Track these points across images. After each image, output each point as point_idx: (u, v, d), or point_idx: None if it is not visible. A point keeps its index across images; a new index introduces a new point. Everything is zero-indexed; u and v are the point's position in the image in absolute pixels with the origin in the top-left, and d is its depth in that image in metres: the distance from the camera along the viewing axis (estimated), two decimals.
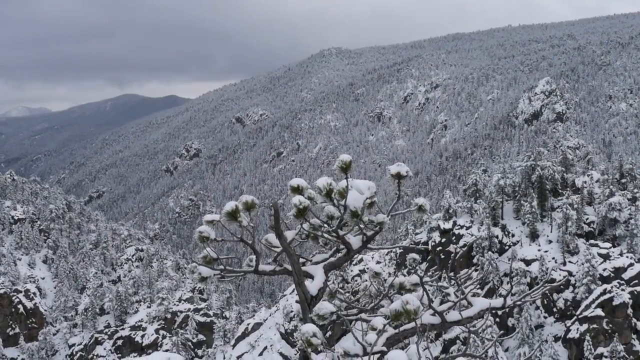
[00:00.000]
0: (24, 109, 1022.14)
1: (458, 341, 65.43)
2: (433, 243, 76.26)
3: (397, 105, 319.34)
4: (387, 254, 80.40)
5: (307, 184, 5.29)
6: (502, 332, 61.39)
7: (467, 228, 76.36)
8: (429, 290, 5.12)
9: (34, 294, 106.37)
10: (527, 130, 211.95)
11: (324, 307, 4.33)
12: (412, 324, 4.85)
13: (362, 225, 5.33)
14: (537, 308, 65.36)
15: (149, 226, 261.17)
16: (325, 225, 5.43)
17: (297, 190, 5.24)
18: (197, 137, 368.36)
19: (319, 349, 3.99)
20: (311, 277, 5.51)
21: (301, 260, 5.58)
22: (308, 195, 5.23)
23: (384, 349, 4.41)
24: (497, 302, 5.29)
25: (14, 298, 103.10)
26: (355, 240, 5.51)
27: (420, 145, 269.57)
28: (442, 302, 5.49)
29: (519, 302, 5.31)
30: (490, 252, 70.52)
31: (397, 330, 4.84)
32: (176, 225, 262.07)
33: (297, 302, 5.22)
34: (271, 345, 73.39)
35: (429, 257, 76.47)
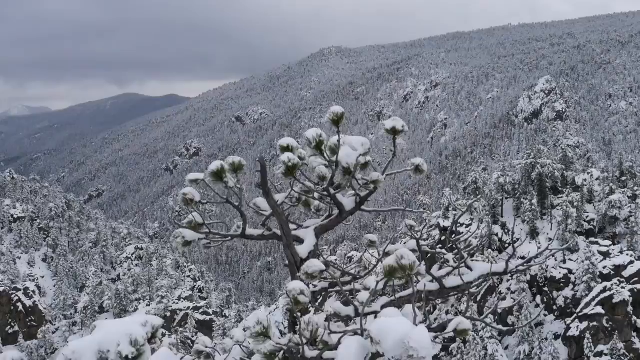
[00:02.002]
0: (25, 107, 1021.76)
1: (458, 339, 65.36)
2: (433, 241, 76.06)
3: (397, 104, 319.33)
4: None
5: (298, 144, 5.07)
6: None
7: (467, 226, 76.13)
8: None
9: (34, 292, 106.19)
10: (527, 129, 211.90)
11: (313, 264, 4.12)
12: (409, 291, 4.64)
13: (355, 184, 5.11)
14: (537, 306, 65.26)
15: (149, 225, 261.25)
16: (317, 187, 5.21)
17: (287, 149, 5.01)
18: (197, 136, 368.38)
19: (307, 308, 3.79)
20: (301, 241, 5.28)
21: (292, 226, 5.36)
22: (298, 155, 5.00)
23: (378, 309, 4.19)
24: (498, 266, 5.07)
25: (13, 296, 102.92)
26: (348, 202, 5.29)
27: (420, 143, 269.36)
28: (440, 269, 5.26)
29: (521, 268, 5.09)
30: (490, 250, 70.33)
31: (392, 297, 4.63)
32: (176, 224, 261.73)
33: (285, 265, 4.98)
34: None
35: (428, 255, 76.29)
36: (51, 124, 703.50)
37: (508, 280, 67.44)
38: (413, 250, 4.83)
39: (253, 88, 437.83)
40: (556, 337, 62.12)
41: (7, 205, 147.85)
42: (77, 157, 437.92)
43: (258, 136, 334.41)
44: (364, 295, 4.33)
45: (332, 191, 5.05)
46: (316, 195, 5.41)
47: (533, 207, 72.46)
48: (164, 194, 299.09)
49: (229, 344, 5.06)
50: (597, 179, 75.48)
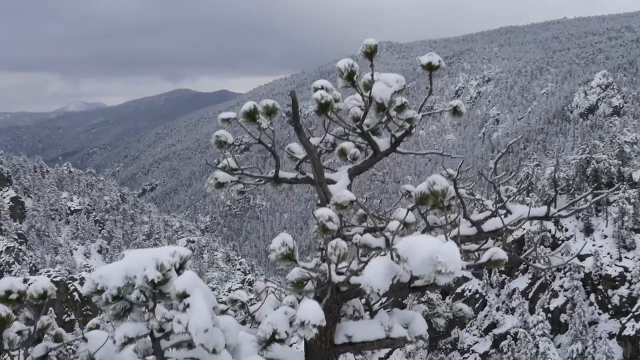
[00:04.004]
0: (81, 103, 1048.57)
1: (509, 336, 64.28)
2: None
3: (448, 99, 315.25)
4: None
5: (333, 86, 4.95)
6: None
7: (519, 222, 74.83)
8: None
9: None
10: (583, 125, 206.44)
11: (343, 194, 4.02)
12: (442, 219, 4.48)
13: (389, 121, 4.97)
14: (591, 304, 63.63)
15: (200, 218, 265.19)
16: (351, 130, 5.08)
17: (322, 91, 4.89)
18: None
19: (335, 235, 3.69)
20: (334, 183, 5.17)
21: (325, 172, 5.25)
22: (333, 96, 4.88)
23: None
24: (539, 210, 4.86)
25: (70, 286, 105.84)
26: (382, 142, 5.15)
27: (472, 139, 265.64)
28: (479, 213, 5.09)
29: (565, 214, 4.87)
30: (542, 247, 68.94)
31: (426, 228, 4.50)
32: (227, 218, 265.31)
33: (317, 204, 4.89)
34: None
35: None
36: (106, 119, 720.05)
37: (561, 278, 66.00)
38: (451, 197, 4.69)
39: (304, 83, 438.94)
40: (610, 336, 60.48)
41: (65, 198, 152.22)
42: (132, 151, 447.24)
43: (308, 131, 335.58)
44: (394, 225, 4.22)
45: (365, 128, 4.93)
46: (351, 138, 5.30)
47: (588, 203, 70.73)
48: None
49: (259, 286, 5.03)
50: None
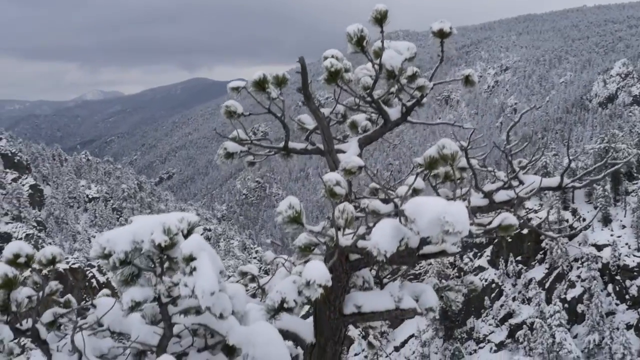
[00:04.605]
0: (99, 92, 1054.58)
1: (525, 326, 64.08)
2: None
3: (465, 88, 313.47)
4: None
5: (343, 55, 4.90)
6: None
7: (536, 211, 74.34)
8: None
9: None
10: (602, 114, 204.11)
11: (352, 160, 3.98)
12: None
13: (400, 92, 4.91)
14: (609, 295, 63.17)
15: (217, 207, 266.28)
16: (361, 98, 5.02)
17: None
18: (265, 120, 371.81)
19: (343, 200, 3.66)
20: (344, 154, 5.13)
21: (335, 143, 5.20)
22: (344, 66, 4.83)
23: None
24: (552, 180, 4.79)
25: (88, 273, 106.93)
26: (393, 112, 5.09)
27: (489, 128, 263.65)
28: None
29: (578, 185, 4.80)
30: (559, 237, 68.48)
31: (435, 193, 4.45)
32: (243, 207, 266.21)
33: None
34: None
35: (495, 241, 75.04)
36: (124, 108, 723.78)
37: (578, 268, 65.61)
38: (462, 168, 4.64)
39: (320, 72, 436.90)
40: (628, 327, 60.09)
41: (83, 186, 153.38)
42: (149, 140, 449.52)
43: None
44: (403, 189, 4.18)
45: (375, 96, 4.87)
46: (361, 108, 5.24)
47: (606, 193, 70.07)
48: (231, 177, 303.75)
49: (269, 256, 5.02)
50: None
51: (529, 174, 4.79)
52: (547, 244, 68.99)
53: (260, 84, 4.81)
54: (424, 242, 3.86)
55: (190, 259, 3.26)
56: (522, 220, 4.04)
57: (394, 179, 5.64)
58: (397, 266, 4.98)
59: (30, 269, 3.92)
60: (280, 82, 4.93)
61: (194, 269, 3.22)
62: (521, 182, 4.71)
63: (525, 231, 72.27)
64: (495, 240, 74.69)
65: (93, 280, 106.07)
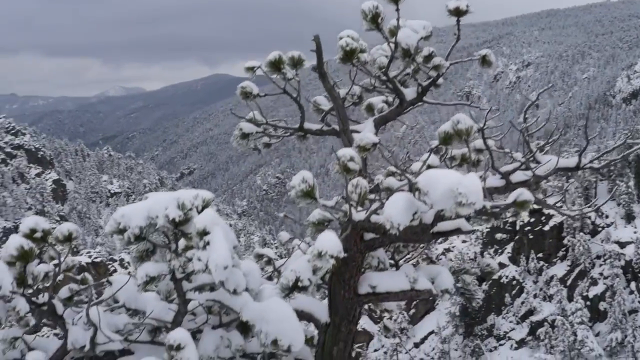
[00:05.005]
0: (121, 88, 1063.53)
1: (546, 323, 63.56)
2: (521, 223, 74.08)
3: (487, 84, 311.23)
4: (472, 233, 78.89)
5: (359, 36, 4.86)
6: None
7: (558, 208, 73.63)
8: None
9: (129, 263, 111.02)
10: (625, 110, 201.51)
11: (366, 137, 3.95)
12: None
13: (417, 72, 4.87)
14: (632, 292, 62.44)
15: (237, 203, 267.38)
16: (377, 79, 4.98)
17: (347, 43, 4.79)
18: (285, 116, 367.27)
19: (357, 175, 3.64)
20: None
21: (351, 125, 5.18)
22: (360, 46, 4.79)
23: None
24: (569, 161, 4.73)
25: (110, 267, 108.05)
26: (409, 91, 5.05)
27: (512, 131, 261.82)
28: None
29: (596, 165, 4.73)
30: (582, 234, 67.78)
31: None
32: (263, 203, 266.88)
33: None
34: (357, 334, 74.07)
35: (516, 237, 74.52)
36: (145, 103, 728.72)
37: (601, 265, 64.93)
38: (479, 150, 4.60)
39: (339, 68, 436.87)
40: None
41: (105, 181, 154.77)
42: (170, 136, 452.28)
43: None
44: (417, 166, 4.15)
45: (390, 75, 4.83)
46: (377, 89, 5.21)
47: (629, 189, 69.22)
48: (252, 172, 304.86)
49: (284, 237, 5.02)
50: None
51: (547, 155, 4.72)
52: (569, 240, 68.33)
53: (276, 65, 4.80)
54: (439, 218, 3.83)
55: (203, 233, 3.26)
56: (538, 200, 3.99)
57: (409, 159, 5.62)
58: (413, 245, 4.96)
59: (46, 244, 3.95)
60: (296, 63, 4.91)
61: (208, 243, 3.23)
62: (538, 163, 4.65)
63: (546, 228, 71.68)
64: (517, 237, 74.19)
65: (115, 275, 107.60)
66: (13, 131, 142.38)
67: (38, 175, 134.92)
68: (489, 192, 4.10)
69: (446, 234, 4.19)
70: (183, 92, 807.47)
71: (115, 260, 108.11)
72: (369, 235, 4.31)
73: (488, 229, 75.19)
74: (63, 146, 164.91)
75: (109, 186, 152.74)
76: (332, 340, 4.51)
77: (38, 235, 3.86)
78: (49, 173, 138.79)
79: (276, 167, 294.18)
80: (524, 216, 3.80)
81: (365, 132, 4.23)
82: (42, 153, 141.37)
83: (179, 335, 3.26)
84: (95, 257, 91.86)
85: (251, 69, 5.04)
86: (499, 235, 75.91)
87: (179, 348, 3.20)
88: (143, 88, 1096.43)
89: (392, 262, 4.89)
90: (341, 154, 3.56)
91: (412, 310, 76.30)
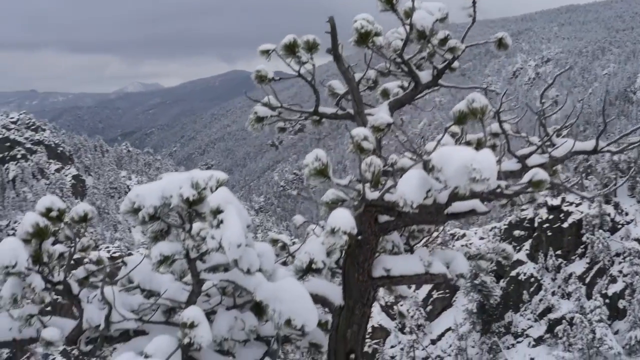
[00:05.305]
0: (139, 84, 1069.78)
1: (564, 321, 63.11)
2: (540, 220, 73.54)
3: (506, 80, 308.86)
4: (490, 230, 78.43)
5: (374, 19, 4.83)
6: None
7: (577, 205, 73.03)
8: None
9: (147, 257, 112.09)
10: None
11: (381, 117, 3.93)
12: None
13: (432, 56, 4.84)
14: None
15: (255, 199, 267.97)
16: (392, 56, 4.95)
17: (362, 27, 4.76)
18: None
19: (370, 154, 3.62)
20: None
21: (366, 109, 5.15)
22: (374, 30, 4.77)
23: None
24: (586, 144, 4.67)
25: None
26: (424, 74, 5.02)
27: (530, 121, 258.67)
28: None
29: (614, 149, 4.67)
30: (601, 231, 67.20)
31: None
32: (280, 199, 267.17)
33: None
34: (370, 317, 74.17)
35: (535, 234, 74.01)
36: (163, 100, 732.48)
37: (620, 263, 64.36)
38: (495, 134, 4.57)
39: (358, 64, 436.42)
40: None
41: (124, 177, 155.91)
42: (188, 132, 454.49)
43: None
44: (431, 145, 4.13)
45: (405, 57, 4.81)
46: (392, 73, 5.18)
47: None
48: (269, 169, 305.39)
49: (298, 220, 5.02)
50: None
51: (564, 138, 4.67)
52: (588, 238, 67.75)
53: (291, 48, 4.79)
54: (453, 198, 3.81)
55: (217, 211, 3.27)
56: (554, 182, 3.94)
57: (424, 143, 5.58)
58: (428, 230, 4.94)
59: (62, 223, 3.98)
60: (311, 47, 4.90)
61: (221, 221, 3.23)
62: (553, 145, 4.60)
63: (565, 225, 71.08)
64: (535, 234, 73.68)
65: None
66: (33, 127, 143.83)
67: (58, 170, 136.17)
68: (505, 176, 4.06)
69: (461, 216, 4.16)
70: (201, 88, 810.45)
71: (133, 255, 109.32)
72: (383, 218, 4.30)
73: (506, 226, 74.86)
74: (82, 142, 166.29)
75: (127, 182, 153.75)
76: (346, 323, 4.52)
77: (54, 214, 3.90)
78: (69, 168, 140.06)
79: (293, 164, 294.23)
80: (539, 198, 3.76)
81: (380, 113, 4.21)
82: (61, 149, 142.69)
83: (193, 313, 3.28)
84: (114, 252, 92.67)
85: (266, 52, 5.04)
86: (517, 232, 75.34)
87: (192, 325, 3.22)
88: (161, 84, 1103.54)
89: (407, 247, 4.87)
90: (355, 133, 3.55)
91: (429, 307, 76.13)
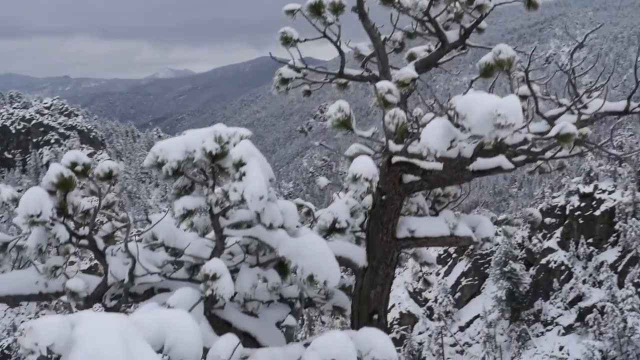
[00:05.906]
0: (170, 70, 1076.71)
1: (595, 310, 62.38)
2: (571, 207, 72.58)
3: (538, 67, 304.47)
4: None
5: None
6: None
7: (610, 192, 71.87)
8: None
9: None
10: None
11: (405, 71, 3.88)
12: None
13: (461, 17, 4.76)
14: None
15: (284, 185, 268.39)
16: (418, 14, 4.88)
17: None
18: (332, 99, 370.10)
19: (394, 107, 3.58)
20: None
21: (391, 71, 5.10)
22: None
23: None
24: (617, 104, 4.56)
25: None
26: (451, 34, 4.95)
27: (559, 83, 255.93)
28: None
29: None
30: (634, 219, 66.11)
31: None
32: (309, 185, 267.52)
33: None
34: (399, 303, 73.95)
35: (566, 222, 73.11)
36: (194, 86, 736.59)
37: None
38: (523, 96, 4.48)
39: (385, 26, 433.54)
40: None
41: None
42: (218, 118, 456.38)
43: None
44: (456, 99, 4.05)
45: (431, 15, 4.73)
46: (418, 33, 5.11)
47: None
48: (298, 155, 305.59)
49: (322, 182, 5.00)
50: None
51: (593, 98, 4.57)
52: (620, 226, 66.69)
53: (316, 8, 4.74)
54: (478, 153, 3.74)
55: (239, 164, 3.26)
56: (580, 140, 3.85)
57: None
58: (453, 196, 4.88)
59: (87, 178, 4.02)
60: (337, 8, 4.84)
61: (244, 174, 3.22)
62: (585, 107, 4.50)
63: (597, 213, 70.00)
64: (566, 222, 72.78)
65: None
66: (66, 112, 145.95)
67: (90, 155, 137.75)
68: (534, 138, 3.98)
69: (486, 173, 4.09)
70: (231, 74, 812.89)
71: None
72: (408, 178, 4.26)
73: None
74: (114, 127, 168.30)
75: None
76: (369, 283, 4.50)
77: (79, 168, 3.93)
78: (101, 153, 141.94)
79: (322, 150, 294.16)
80: (568, 164, 3.67)
81: (405, 69, 4.15)
82: (94, 134, 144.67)
83: (215, 265, 3.28)
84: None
85: (291, 12, 5.00)
86: (547, 220, 74.44)
87: (214, 277, 3.22)
88: (192, 70, 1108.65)
89: (432, 212, 4.82)
90: (379, 86, 3.50)
91: (458, 294, 75.87)
